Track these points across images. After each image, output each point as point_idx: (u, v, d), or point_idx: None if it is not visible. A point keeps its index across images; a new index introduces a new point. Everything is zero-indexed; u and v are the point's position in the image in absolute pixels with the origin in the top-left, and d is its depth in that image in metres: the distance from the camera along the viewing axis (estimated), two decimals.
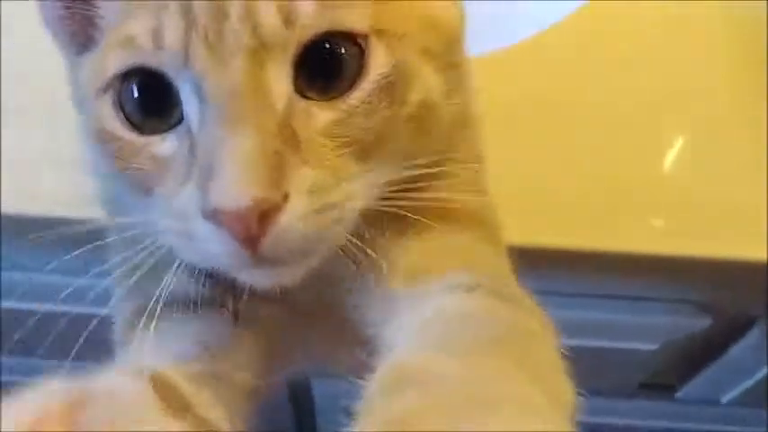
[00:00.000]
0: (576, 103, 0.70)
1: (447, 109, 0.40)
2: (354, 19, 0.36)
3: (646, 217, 0.67)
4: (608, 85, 0.70)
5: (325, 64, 0.36)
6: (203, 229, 0.34)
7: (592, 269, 0.68)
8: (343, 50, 0.36)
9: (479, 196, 0.45)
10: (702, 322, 0.75)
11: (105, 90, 0.37)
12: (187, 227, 0.35)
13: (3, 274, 0.65)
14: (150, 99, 0.36)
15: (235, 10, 0.34)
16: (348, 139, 0.36)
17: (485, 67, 0.71)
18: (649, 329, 0.76)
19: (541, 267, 0.66)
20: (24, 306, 0.67)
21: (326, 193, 0.35)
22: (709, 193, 0.67)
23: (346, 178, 0.36)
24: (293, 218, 0.34)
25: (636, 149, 0.70)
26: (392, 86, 0.37)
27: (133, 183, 0.37)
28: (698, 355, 0.84)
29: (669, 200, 0.68)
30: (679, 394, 0.91)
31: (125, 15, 0.36)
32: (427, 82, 0.39)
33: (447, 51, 0.41)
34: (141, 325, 0.41)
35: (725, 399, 0.92)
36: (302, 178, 0.34)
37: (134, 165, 0.37)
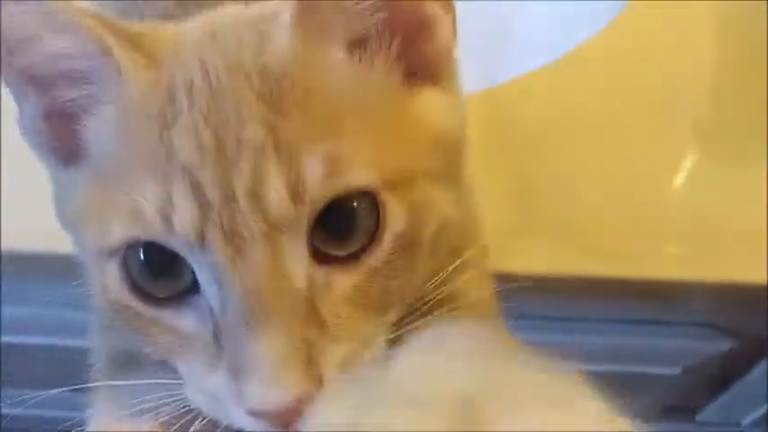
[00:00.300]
0: (585, 135, 0.71)
1: (458, 218, 0.40)
2: (362, 176, 0.34)
3: (660, 243, 0.68)
4: (615, 116, 0.71)
5: (340, 222, 0.35)
6: (240, 414, 0.33)
7: (613, 296, 0.68)
8: (355, 205, 0.35)
9: (479, 273, 0.44)
10: (722, 345, 0.75)
11: (110, 256, 0.35)
12: (222, 408, 0.34)
13: (4, 308, 0.65)
14: (158, 264, 0.35)
15: (241, 191, 0.33)
16: (370, 300, 0.35)
17: (487, 98, 0.72)
18: (670, 354, 0.75)
19: (564, 295, 0.67)
20: (26, 340, 0.68)
21: (356, 360, 0.35)
22: (721, 215, 0.67)
23: (371, 337, 0.36)
24: None
25: (643, 179, 0.70)
26: (410, 236, 0.36)
27: (148, 347, 0.36)
28: (718, 377, 0.83)
29: (682, 225, 0.68)
30: (700, 417, 0.89)
31: (124, 166, 0.35)
32: (441, 208, 0.38)
33: (455, 160, 0.40)
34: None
35: (745, 421, 0.90)
36: (332, 358, 0.34)
37: (149, 333, 0.36)
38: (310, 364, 0.33)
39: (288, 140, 0.33)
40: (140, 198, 0.33)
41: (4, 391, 0.69)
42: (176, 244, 0.33)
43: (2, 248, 0.60)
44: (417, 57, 0.38)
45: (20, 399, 0.42)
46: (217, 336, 0.34)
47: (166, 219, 0.33)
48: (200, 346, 0.35)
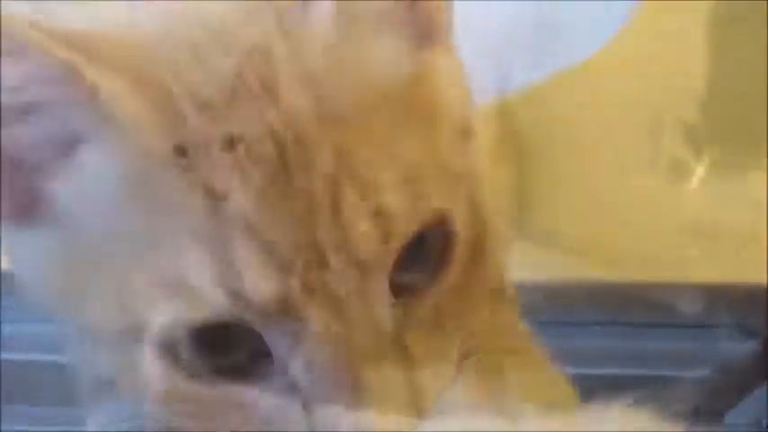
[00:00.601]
0: (588, 146, 0.73)
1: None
2: (440, 198, 0.30)
3: (678, 245, 0.69)
4: (616, 126, 0.73)
5: (415, 248, 0.30)
6: None
7: (634, 300, 0.69)
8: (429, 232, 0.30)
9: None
10: (750, 346, 0.76)
11: (143, 341, 0.29)
12: None
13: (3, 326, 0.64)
14: (212, 339, 0.29)
15: (328, 243, 0.27)
16: (445, 317, 0.31)
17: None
18: (696, 356, 0.75)
19: (588, 300, 0.68)
20: (25, 357, 0.68)
21: (446, 380, 0.31)
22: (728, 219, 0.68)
23: (451, 353, 0.32)
24: None
25: (649, 186, 0.72)
26: (472, 241, 0.31)
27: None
28: (746, 378, 0.82)
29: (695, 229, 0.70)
30: (728, 418, 0.89)
31: (133, 229, 0.29)
32: (486, 199, 0.33)
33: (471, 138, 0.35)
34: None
35: None
36: (431, 389, 0.30)
37: (211, 418, 0.30)
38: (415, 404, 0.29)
39: (359, 161, 0.28)
40: (184, 270, 0.27)
41: (5, 407, 0.70)
42: (249, 318, 0.28)
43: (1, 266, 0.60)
44: (420, 16, 0.32)
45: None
46: (308, 407, 0.29)
47: (233, 292, 0.27)
48: (287, 424, 0.29)
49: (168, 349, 0.29)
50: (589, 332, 0.73)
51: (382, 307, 0.29)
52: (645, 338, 0.74)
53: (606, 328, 0.74)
